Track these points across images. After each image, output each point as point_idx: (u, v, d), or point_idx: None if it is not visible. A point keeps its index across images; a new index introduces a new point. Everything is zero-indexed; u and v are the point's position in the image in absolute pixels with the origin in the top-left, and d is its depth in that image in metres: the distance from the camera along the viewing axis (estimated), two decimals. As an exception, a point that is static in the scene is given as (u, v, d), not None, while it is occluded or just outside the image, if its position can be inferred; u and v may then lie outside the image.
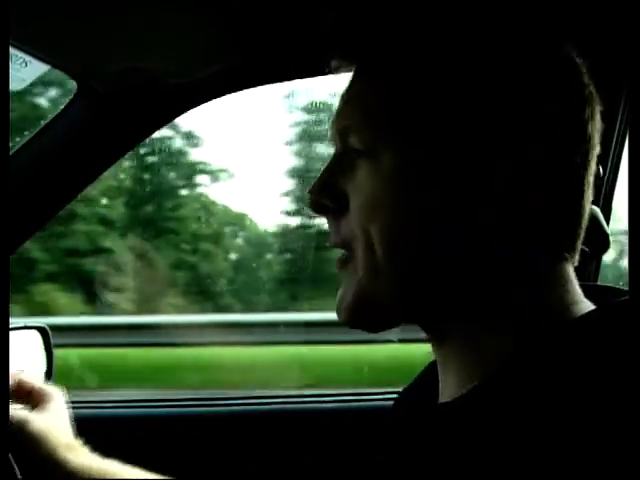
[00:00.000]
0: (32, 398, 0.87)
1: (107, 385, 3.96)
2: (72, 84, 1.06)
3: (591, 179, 0.58)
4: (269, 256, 5.61)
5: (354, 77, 0.62)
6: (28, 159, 1.11)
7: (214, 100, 1.13)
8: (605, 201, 1.22)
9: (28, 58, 0.93)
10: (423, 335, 0.62)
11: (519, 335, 0.55)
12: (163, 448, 1.36)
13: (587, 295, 0.58)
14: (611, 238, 1.05)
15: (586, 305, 0.57)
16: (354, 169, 0.59)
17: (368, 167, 0.58)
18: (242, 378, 3.92)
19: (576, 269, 0.59)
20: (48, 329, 1.17)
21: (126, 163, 4.96)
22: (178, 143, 5.08)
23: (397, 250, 0.57)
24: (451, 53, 0.57)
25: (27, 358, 1.12)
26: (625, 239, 0.54)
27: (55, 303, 4.79)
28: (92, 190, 4.88)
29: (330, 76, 0.65)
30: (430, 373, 0.66)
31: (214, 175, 5.40)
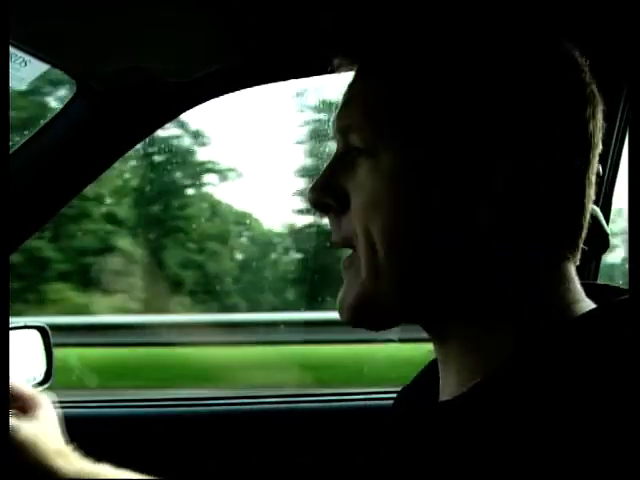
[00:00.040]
0: (21, 404, 0.86)
1: (111, 385, 3.97)
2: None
3: (593, 178, 0.58)
4: (278, 255, 5.62)
5: (355, 77, 0.62)
6: (27, 159, 1.11)
7: (214, 99, 1.13)
8: (605, 200, 1.22)
9: (28, 57, 0.93)
10: (423, 335, 0.62)
11: (519, 334, 0.55)
12: (163, 448, 1.36)
13: (586, 293, 0.58)
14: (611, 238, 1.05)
15: (587, 304, 0.57)
16: (355, 167, 0.59)
17: (368, 165, 0.58)
18: (242, 378, 3.92)
19: (576, 268, 0.59)
20: (48, 329, 1.17)
21: (134, 162, 4.97)
22: (186, 142, 5.09)
23: (398, 249, 0.57)
24: (451, 53, 0.57)
25: (27, 358, 1.12)
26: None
27: (69, 302, 4.79)
28: (102, 189, 4.90)
29: (331, 75, 0.65)
30: (430, 372, 0.66)
31: (222, 174, 5.40)
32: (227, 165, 5.24)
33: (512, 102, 0.55)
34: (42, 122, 1.10)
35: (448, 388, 0.60)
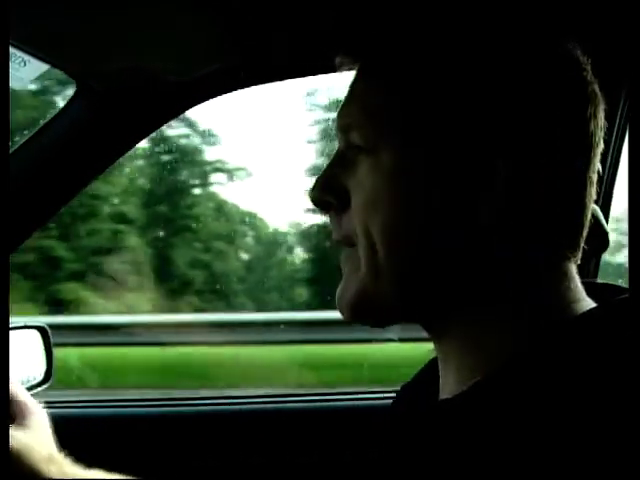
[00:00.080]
0: (12, 411, 0.86)
1: (111, 384, 3.97)
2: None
3: (594, 177, 0.58)
4: (287, 255, 5.62)
5: (356, 76, 0.62)
6: (27, 158, 1.11)
7: (214, 98, 1.13)
8: (604, 199, 1.22)
9: (27, 57, 0.93)
10: (423, 334, 0.62)
11: (520, 333, 0.55)
12: (162, 447, 1.36)
13: (587, 292, 0.59)
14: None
15: (587, 303, 0.57)
16: (356, 166, 0.59)
17: (369, 163, 0.58)
18: (243, 377, 3.92)
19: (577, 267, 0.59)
20: (48, 328, 1.17)
21: (143, 161, 4.97)
22: (196, 141, 5.10)
23: (397, 248, 0.57)
24: (452, 52, 0.57)
25: (27, 358, 1.12)
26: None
27: (82, 301, 4.80)
28: (111, 188, 4.90)
29: (333, 75, 0.66)
30: (430, 370, 0.66)
31: (231, 174, 5.40)
32: (237, 164, 5.26)
33: (512, 101, 0.55)
34: (42, 122, 1.10)
35: (448, 387, 0.60)
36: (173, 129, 4.71)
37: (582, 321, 0.54)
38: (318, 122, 4.46)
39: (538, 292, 0.57)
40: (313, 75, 1.08)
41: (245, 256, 5.71)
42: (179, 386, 3.96)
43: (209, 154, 5.25)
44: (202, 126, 4.89)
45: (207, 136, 5.08)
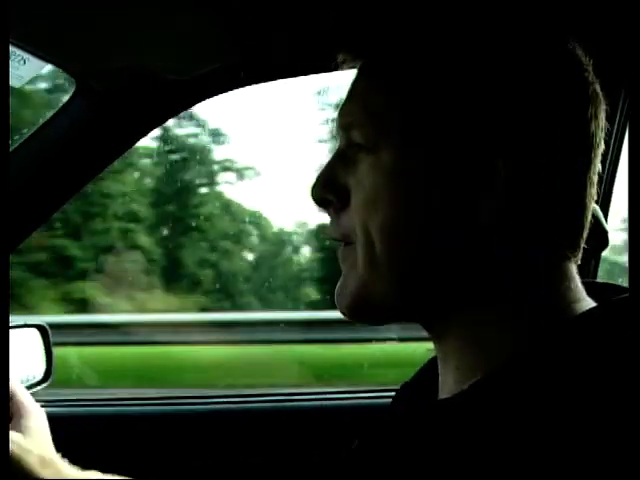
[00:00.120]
0: (11, 410, 0.86)
1: (110, 384, 3.98)
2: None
3: (594, 178, 0.58)
4: (299, 254, 5.62)
5: (357, 75, 0.63)
6: (26, 157, 1.11)
7: (214, 97, 1.13)
8: (604, 199, 1.22)
9: (27, 56, 0.93)
10: (423, 334, 0.62)
11: (520, 333, 0.55)
12: (162, 447, 1.36)
13: (587, 292, 0.59)
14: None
15: (587, 303, 0.57)
16: (356, 163, 0.59)
17: (369, 161, 0.58)
18: (243, 377, 3.92)
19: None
20: (48, 328, 1.17)
21: (152, 160, 4.97)
22: (204, 140, 5.10)
23: (397, 248, 0.57)
24: (452, 52, 0.57)
25: (26, 356, 1.12)
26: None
27: (94, 300, 4.81)
28: (121, 186, 4.90)
29: (335, 73, 0.66)
30: (429, 369, 0.66)
31: (240, 173, 5.41)
32: (245, 164, 5.26)
33: (513, 101, 0.55)
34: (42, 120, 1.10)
35: (447, 386, 0.60)
36: (182, 128, 4.72)
37: (582, 321, 0.54)
38: (329, 121, 4.45)
39: (538, 292, 0.57)
40: (313, 74, 1.08)
41: (252, 255, 5.72)
42: (179, 386, 3.97)
43: (218, 153, 5.27)
44: (211, 125, 4.90)
45: (216, 135, 5.09)
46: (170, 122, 4.51)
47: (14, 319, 1.07)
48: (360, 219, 0.58)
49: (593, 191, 0.58)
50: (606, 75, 0.59)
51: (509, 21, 0.58)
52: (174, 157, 5.15)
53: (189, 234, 5.35)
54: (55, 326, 1.21)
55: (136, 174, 5.17)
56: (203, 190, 5.61)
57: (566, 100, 0.56)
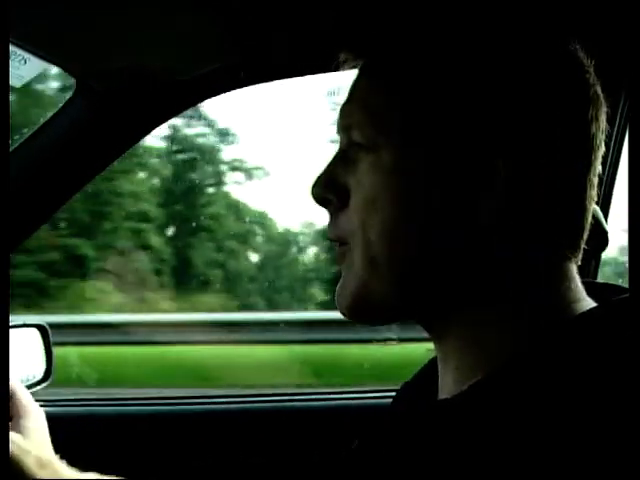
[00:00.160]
0: (10, 409, 0.86)
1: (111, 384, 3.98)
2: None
3: (594, 180, 0.58)
4: (307, 254, 5.63)
5: (358, 75, 0.63)
6: (26, 157, 1.11)
7: (214, 97, 1.13)
8: (604, 199, 1.22)
9: (27, 55, 0.93)
10: (423, 334, 0.62)
11: (520, 333, 0.55)
12: (162, 446, 1.36)
13: (587, 292, 0.59)
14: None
15: (587, 303, 0.57)
16: (356, 163, 0.59)
17: (369, 161, 0.58)
18: (243, 377, 3.92)
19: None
20: (47, 327, 1.17)
21: (161, 160, 4.98)
22: (213, 140, 5.10)
23: (396, 248, 0.57)
24: (453, 52, 0.57)
25: (26, 356, 1.12)
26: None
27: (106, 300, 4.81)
28: (130, 186, 4.90)
29: (336, 73, 0.66)
30: (429, 370, 0.66)
31: (249, 173, 5.41)
32: (254, 164, 5.27)
33: (513, 101, 0.55)
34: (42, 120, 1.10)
35: (447, 386, 0.60)
36: (191, 128, 4.72)
37: (582, 321, 0.54)
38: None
39: (538, 292, 0.57)
40: (313, 74, 1.08)
41: (259, 256, 5.72)
42: (179, 385, 3.97)
43: (227, 153, 5.27)
44: (220, 125, 4.90)
45: (225, 135, 5.10)
46: (179, 122, 4.53)
47: (14, 319, 1.07)
48: (360, 219, 0.58)
49: (593, 193, 0.58)
50: (606, 77, 0.59)
51: (510, 22, 0.58)
52: (183, 157, 5.16)
53: (197, 234, 5.35)
54: (55, 326, 1.21)
55: (144, 174, 5.18)
56: (211, 190, 5.62)
57: (567, 101, 0.56)
